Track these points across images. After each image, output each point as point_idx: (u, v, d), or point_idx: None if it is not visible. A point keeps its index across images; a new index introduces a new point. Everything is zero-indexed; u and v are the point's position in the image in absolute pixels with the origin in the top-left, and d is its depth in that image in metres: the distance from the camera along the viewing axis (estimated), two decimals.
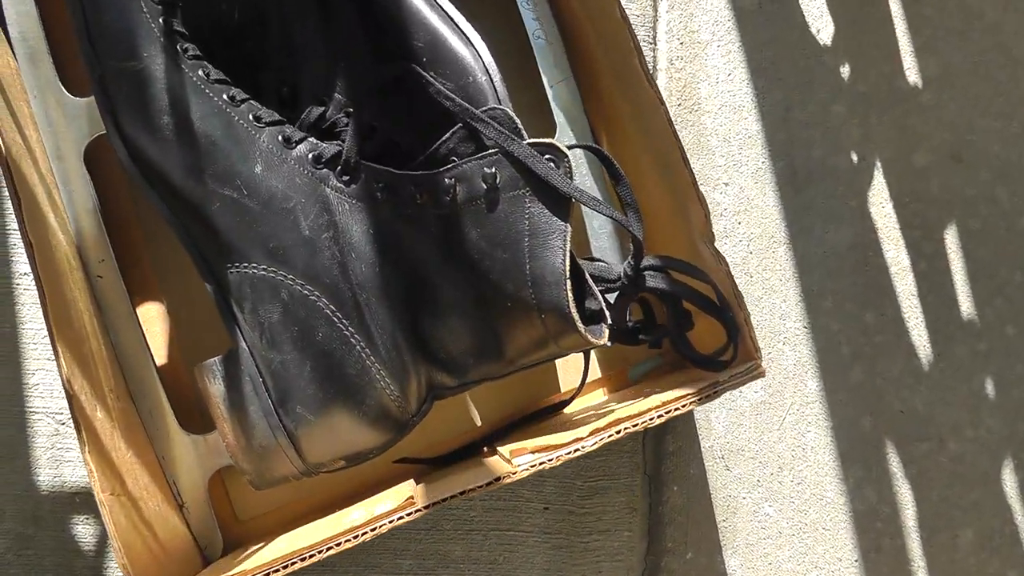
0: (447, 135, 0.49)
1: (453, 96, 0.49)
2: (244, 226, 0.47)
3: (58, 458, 0.57)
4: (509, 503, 0.58)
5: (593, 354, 0.58)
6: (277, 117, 0.49)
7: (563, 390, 0.59)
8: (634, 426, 0.46)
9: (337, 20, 0.53)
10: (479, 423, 0.57)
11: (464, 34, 0.52)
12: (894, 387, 0.63)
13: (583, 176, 0.57)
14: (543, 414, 0.56)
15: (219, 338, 0.54)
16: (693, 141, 0.63)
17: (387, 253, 0.48)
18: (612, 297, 0.51)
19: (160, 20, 0.47)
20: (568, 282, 0.46)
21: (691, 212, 0.50)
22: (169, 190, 0.48)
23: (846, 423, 0.62)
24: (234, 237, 0.47)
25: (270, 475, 0.49)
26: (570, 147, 0.51)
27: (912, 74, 0.65)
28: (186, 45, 0.48)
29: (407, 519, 0.44)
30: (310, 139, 0.49)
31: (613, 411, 0.51)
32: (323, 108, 0.52)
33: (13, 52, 0.52)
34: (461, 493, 0.44)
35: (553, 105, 0.57)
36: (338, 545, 0.44)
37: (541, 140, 0.47)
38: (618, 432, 0.46)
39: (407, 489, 0.50)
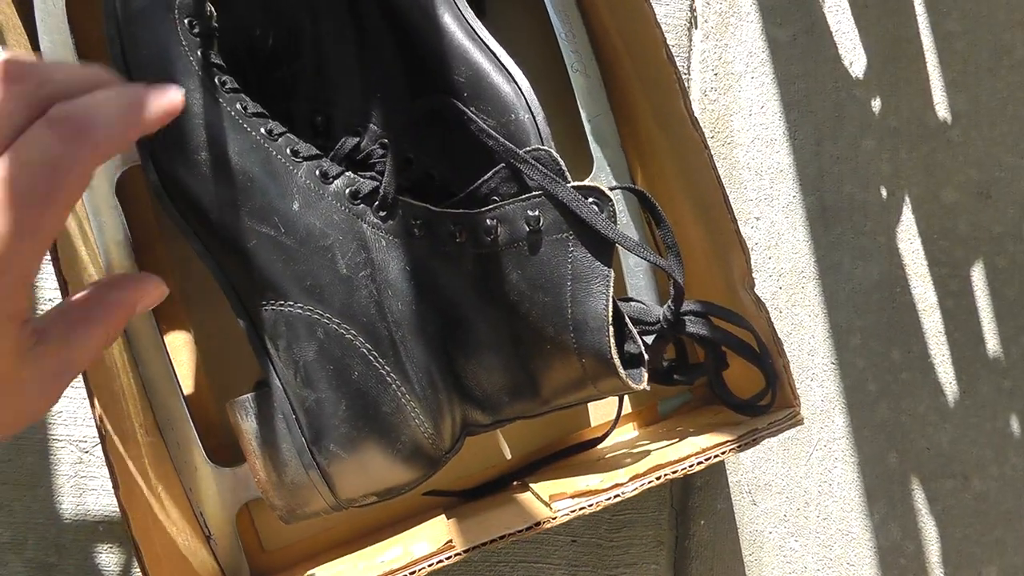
0: (489, 174, 0.48)
1: (496, 135, 0.48)
2: (280, 264, 0.46)
3: (82, 486, 0.56)
4: (537, 535, 0.58)
5: None
6: (315, 151, 0.48)
7: (593, 424, 0.58)
8: (674, 473, 0.46)
9: (374, 49, 0.52)
10: (509, 456, 0.57)
11: (507, 70, 0.51)
12: (919, 424, 0.63)
13: (621, 214, 0.57)
14: (574, 450, 0.56)
15: (249, 370, 0.54)
16: (725, 174, 0.63)
17: (423, 290, 0.48)
18: (649, 339, 0.51)
19: (198, 53, 0.47)
20: (611, 328, 0.45)
21: (732, 257, 0.50)
22: (204, 225, 0.47)
23: (872, 459, 0.63)
24: (270, 275, 0.46)
25: (301, 511, 0.48)
26: (612, 188, 0.51)
27: (942, 109, 0.65)
28: (224, 78, 0.48)
29: (446, 563, 0.44)
30: (347, 174, 0.48)
31: (648, 452, 0.50)
32: (358, 139, 0.52)
33: None
34: (501, 538, 0.44)
35: (591, 140, 0.57)
36: None
37: (585, 184, 0.47)
38: (658, 479, 0.46)
39: (441, 526, 0.50)
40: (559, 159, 0.47)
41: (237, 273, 0.47)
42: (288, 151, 0.47)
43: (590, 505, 0.45)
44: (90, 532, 0.56)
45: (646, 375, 0.48)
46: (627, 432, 0.59)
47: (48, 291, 0.57)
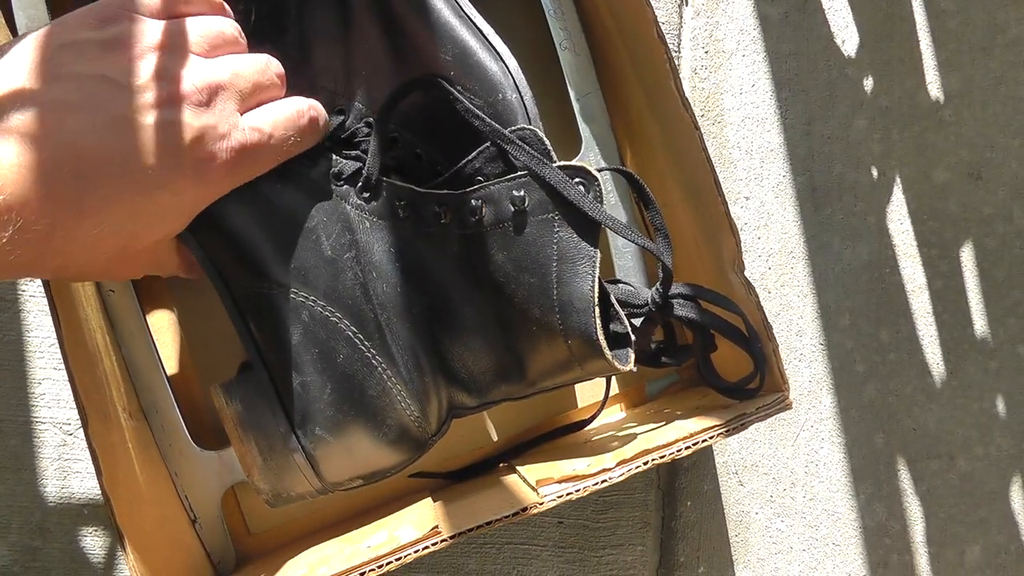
0: (473, 154, 0.48)
1: (481, 114, 0.47)
2: (265, 245, 0.45)
3: (65, 469, 0.56)
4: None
5: None
6: None
7: (580, 406, 0.58)
8: (661, 457, 0.46)
9: (359, 26, 0.51)
10: (495, 438, 0.57)
11: (494, 48, 0.50)
12: (906, 405, 0.63)
13: (608, 194, 0.56)
14: (561, 432, 0.56)
15: (234, 352, 0.53)
16: (715, 153, 0.62)
17: (409, 272, 0.47)
18: (638, 321, 0.51)
19: None
20: (596, 309, 0.45)
21: (722, 240, 0.49)
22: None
23: (859, 440, 0.63)
24: (253, 256, 0.45)
25: (286, 494, 0.48)
26: (600, 169, 0.50)
27: (934, 89, 0.65)
28: None
29: (432, 549, 0.44)
30: (331, 155, 0.47)
31: (635, 435, 0.50)
32: (343, 117, 0.51)
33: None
34: (488, 523, 0.44)
35: (579, 119, 0.56)
36: (363, 575, 0.43)
37: (571, 164, 0.46)
38: (645, 463, 0.46)
39: (427, 510, 0.49)
40: (545, 139, 0.47)
41: (221, 254, 0.46)
42: None
43: (577, 490, 0.45)
44: (75, 515, 0.55)
45: (633, 356, 0.47)
46: (614, 414, 0.59)
47: None
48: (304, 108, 0.44)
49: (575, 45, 0.56)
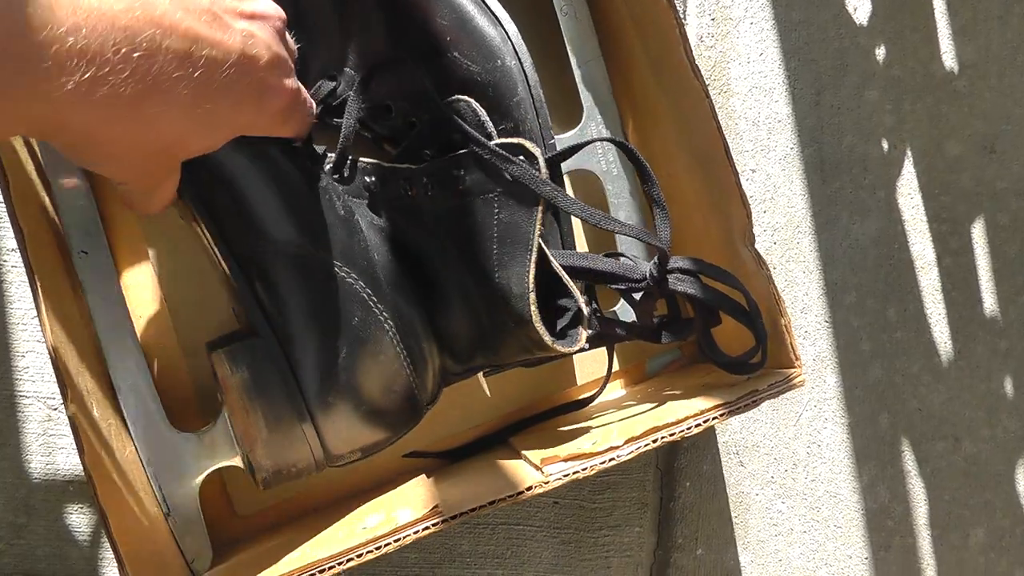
0: (418, 127, 0.47)
1: (424, 83, 0.47)
2: (280, 200, 0.44)
3: (51, 445, 0.54)
4: None
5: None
6: None
7: (580, 383, 0.57)
8: (671, 435, 0.44)
9: None
10: (492, 416, 0.56)
11: (492, 13, 0.49)
12: (912, 385, 0.62)
13: (611, 164, 0.54)
14: (561, 411, 0.55)
15: (219, 322, 0.52)
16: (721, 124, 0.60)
17: (393, 243, 0.47)
18: (637, 296, 0.49)
19: None
20: (532, 295, 0.44)
21: (732, 212, 0.48)
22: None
23: (863, 420, 0.62)
24: (267, 212, 0.44)
25: (286, 471, 0.46)
26: (593, 141, 0.48)
27: (948, 59, 0.63)
28: None
29: (432, 530, 0.42)
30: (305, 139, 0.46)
31: (639, 413, 0.49)
32: (334, 84, 0.49)
33: None
34: (490, 503, 0.43)
35: (580, 87, 0.54)
36: (359, 556, 0.42)
37: (510, 141, 0.45)
38: (655, 441, 0.44)
39: (426, 490, 0.48)
40: (480, 111, 0.46)
41: (226, 211, 0.44)
42: None
43: (584, 469, 0.44)
44: (60, 492, 0.54)
45: (582, 335, 0.46)
46: (614, 391, 0.57)
47: (7, 240, 0.55)
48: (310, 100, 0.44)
49: (576, 10, 0.54)
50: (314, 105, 0.44)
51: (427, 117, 0.47)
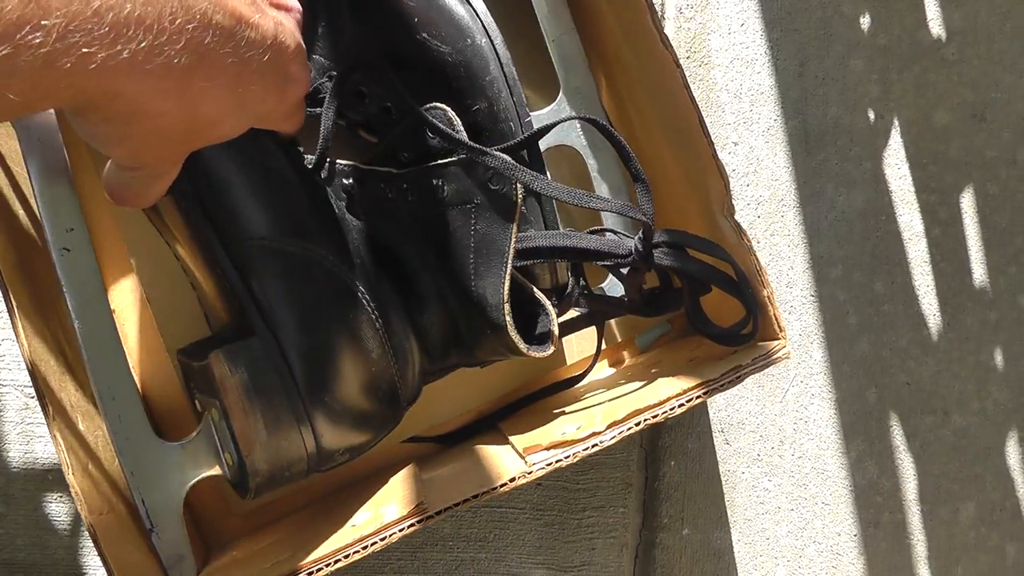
0: (396, 132, 0.47)
1: (403, 93, 0.46)
2: (271, 196, 0.44)
3: (29, 433, 0.55)
4: None
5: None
6: None
7: (570, 363, 0.57)
8: (654, 417, 0.44)
9: None
10: (483, 399, 0.56)
11: None
12: (900, 358, 0.62)
13: (590, 138, 0.54)
14: (551, 391, 0.54)
15: (202, 326, 0.51)
16: (702, 97, 0.60)
17: (375, 244, 0.47)
18: (625, 271, 0.49)
19: None
20: (507, 306, 0.45)
21: (709, 183, 0.47)
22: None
23: (850, 395, 0.61)
24: (263, 209, 0.44)
25: (280, 475, 0.46)
26: (564, 120, 0.48)
27: (936, 26, 0.62)
28: None
29: (417, 527, 0.42)
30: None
31: (626, 393, 0.49)
32: None
33: None
34: (474, 497, 0.43)
35: (555, 62, 0.53)
36: (346, 557, 0.42)
37: (484, 148, 0.44)
38: (637, 424, 0.44)
39: (412, 486, 0.48)
40: (455, 118, 0.45)
41: (220, 208, 0.44)
42: None
43: (566, 457, 0.43)
44: (39, 481, 0.55)
45: (552, 340, 0.47)
46: (604, 369, 0.57)
47: None
48: None
49: None
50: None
51: (404, 118, 0.47)
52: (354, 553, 0.42)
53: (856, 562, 0.62)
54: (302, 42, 0.38)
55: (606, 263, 0.48)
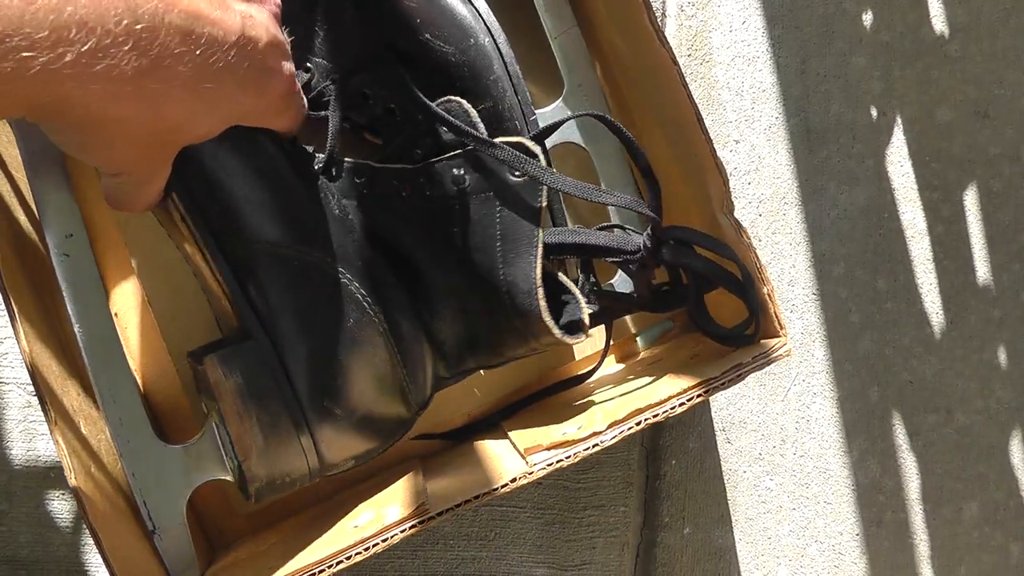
0: (408, 129, 0.47)
1: (412, 88, 0.46)
2: (272, 198, 0.43)
3: (31, 431, 0.55)
4: None
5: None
6: None
7: (577, 359, 0.57)
8: (654, 416, 0.44)
9: None
10: (490, 395, 0.56)
11: None
12: (903, 357, 0.62)
13: (597, 135, 0.54)
14: (556, 389, 0.55)
15: (209, 326, 0.52)
16: (703, 95, 0.60)
17: (386, 244, 0.47)
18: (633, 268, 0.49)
19: None
20: (540, 290, 0.44)
21: (708, 180, 0.48)
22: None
23: (852, 394, 0.62)
24: (259, 212, 0.43)
25: (280, 480, 0.45)
26: (571, 117, 0.48)
27: (939, 22, 0.62)
28: None
29: (419, 527, 0.43)
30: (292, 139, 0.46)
31: (627, 392, 0.49)
32: (309, 75, 0.49)
33: None
34: (475, 498, 0.43)
35: (559, 59, 0.54)
36: (348, 559, 0.42)
37: (508, 139, 0.45)
38: (638, 424, 0.44)
39: (414, 486, 0.48)
40: (471, 111, 0.46)
41: (217, 210, 0.43)
42: None
43: (567, 457, 0.44)
44: (41, 478, 0.55)
45: (586, 325, 0.47)
46: (608, 366, 0.58)
47: None
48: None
49: None
50: (305, 99, 0.44)
51: (418, 116, 0.47)
52: (356, 555, 0.42)
53: (858, 561, 0.62)
54: (280, 34, 0.38)
55: (615, 259, 0.48)
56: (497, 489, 0.43)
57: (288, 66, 0.39)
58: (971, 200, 0.63)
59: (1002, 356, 0.63)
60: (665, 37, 0.47)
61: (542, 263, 0.45)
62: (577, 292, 0.47)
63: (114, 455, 0.47)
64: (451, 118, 0.45)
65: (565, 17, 0.54)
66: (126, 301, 0.53)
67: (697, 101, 0.57)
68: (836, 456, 0.62)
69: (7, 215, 0.48)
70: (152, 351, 0.53)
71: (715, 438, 0.61)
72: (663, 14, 0.60)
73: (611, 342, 0.53)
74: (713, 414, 0.61)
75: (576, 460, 0.44)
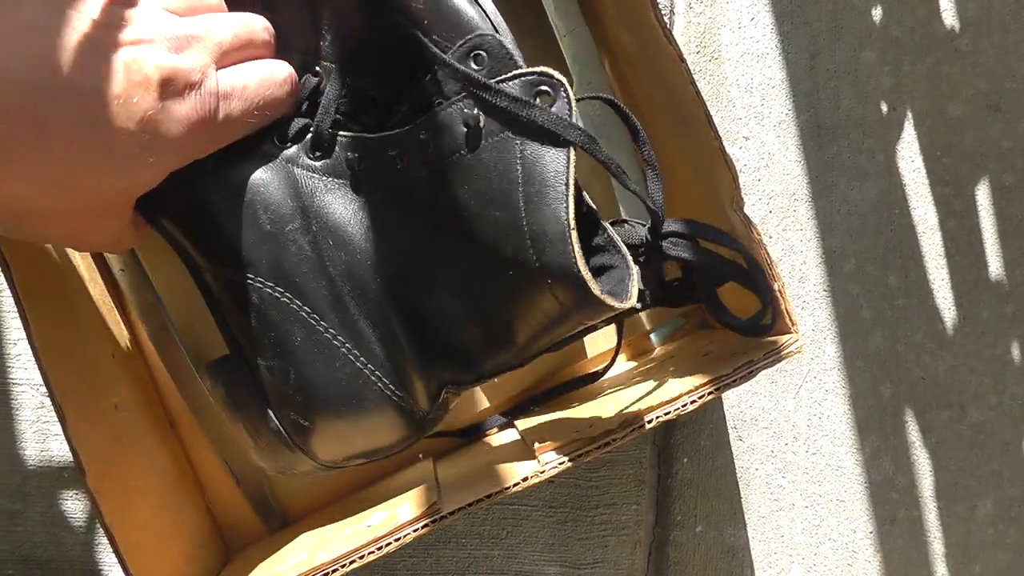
0: (418, 81, 0.44)
1: (405, 23, 0.44)
2: (209, 225, 0.44)
3: (44, 431, 0.56)
4: None
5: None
6: None
7: (590, 356, 0.57)
8: (666, 414, 0.45)
9: None
10: (501, 394, 0.57)
11: None
12: (915, 353, 0.62)
13: (607, 132, 0.55)
14: (570, 387, 0.55)
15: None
16: (712, 92, 0.61)
17: (372, 233, 0.45)
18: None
19: None
20: (573, 233, 0.40)
21: (717, 176, 0.48)
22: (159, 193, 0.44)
23: (864, 391, 0.62)
24: (203, 238, 0.44)
25: (290, 470, 0.47)
26: (580, 99, 0.47)
27: (949, 16, 0.62)
28: None
29: (432, 527, 0.44)
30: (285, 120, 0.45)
31: (639, 390, 0.50)
32: (318, 79, 0.49)
33: None
34: (487, 496, 0.44)
35: (567, 58, 0.55)
36: (361, 558, 0.43)
37: (530, 69, 0.42)
38: (650, 422, 0.45)
39: (428, 481, 0.49)
40: (509, 47, 0.43)
41: (177, 236, 0.45)
42: None
43: (579, 455, 0.44)
44: (54, 478, 0.56)
45: (634, 288, 0.43)
46: (620, 364, 0.58)
47: None
48: (282, 72, 0.44)
49: None
50: (294, 78, 0.44)
51: (422, 74, 0.45)
52: (369, 554, 0.43)
53: (872, 560, 0.62)
54: (179, 62, 0.38)
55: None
56: (509, 487, 0.44)
57: (193, 95, 0.38)
58: (983, 195, 0.63)
59: (1015, 352, 0.63)
60: (671, 34, 0.47)
61: (575, 206, 0.41)
62: (624, 250, 0.44)
63: (126, 455, 0.48)
64: (460, 66, 0.42)
65: (573, 15, 0.55)
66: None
67: (706, 98, 0.58)
68: (849, 453, 0.62)
69: None
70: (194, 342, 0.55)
71: (727, 436, 0.61)
72: (671, 11, 0.61)
73: (622, 340, 0.53)
74: (725, 412, 0.61)
75: (588, 458, 0.44)
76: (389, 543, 0.43)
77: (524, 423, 0.53)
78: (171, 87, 0.37)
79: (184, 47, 0.38)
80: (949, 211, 0.63)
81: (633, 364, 0.58)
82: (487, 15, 0.48)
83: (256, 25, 0.43)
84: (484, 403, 0.57)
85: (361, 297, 0.44)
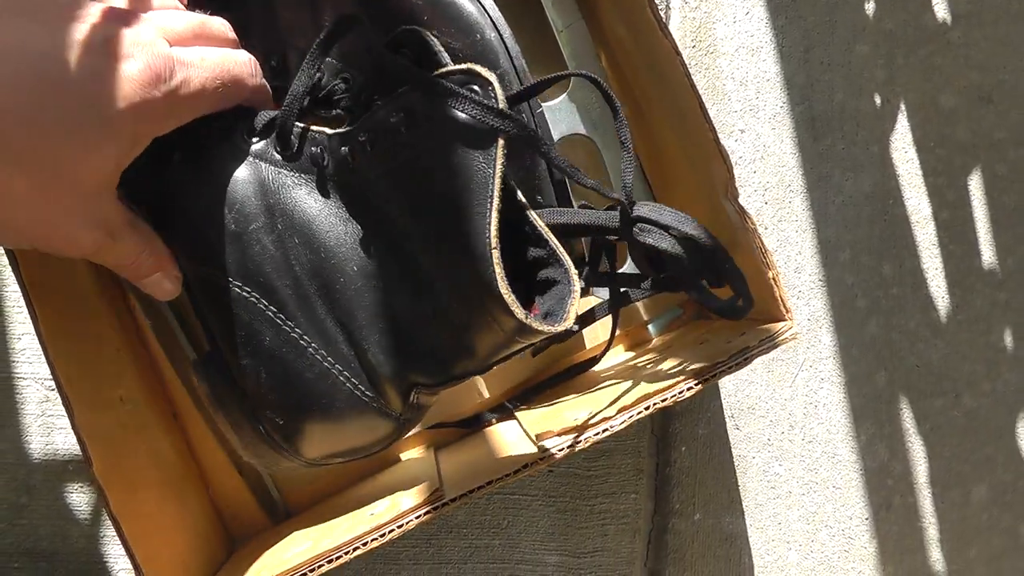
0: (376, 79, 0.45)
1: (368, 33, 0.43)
2: (181, 221, 0.44)
3: (49, 425, 0.57)
4: None
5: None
6: None
7: (588, 346, 0.59)
8: (663, 401, 0.46)
9: None
10: (501, 383, 0.58)
11: None
12: (910, 341, 0.64)
13: (604, 126, 0.56)
14: (564, 376, 0.56)
15: None
16: (708, 85, 0.62)
17: (336, 232, 0.44)
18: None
19: None
20: (494, 252, 0.38)
21: (712, 168, 0.49)
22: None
23: (860, 379, 0.63)
24: (178, 238, 0.44)
25: (275, 465, 0.48)
26: (564, 75, 0.46)
27: (941, 9, 0.64)
28: None
29: (433, 514, 0.45)
30: (247, 115, 0.45)
31: (636, 378, 0.51)
32: (319, 75, 0.50)
33: None
34: (488, 483, 0.45)
35: (565, 53, 0.56)
36: (364, 545, 0.44)
37: (458, 67, 0.40)
38: (647, 408, 0.46)
39: (429, 469, 0.50)
40: (432, 40, 0.42)
41: (161, 234, 0.45)
42: None
43: (578, 442, 0.45)
44: (59, 472, 0.57)
45: (572, 311, 0.41)
46: (618, 354, 0.59)
47: None
48: (243, 56, 0.43)
49: None
50: (249, 69, 0.43)
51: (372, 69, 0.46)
52: (372, 541, 0.44)
53: (868, 545, 0.64)
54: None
55: (597, 236, 0.47)
56: (510, 475, 0.45)
57: (141, 53, 0.37)
58: (976, 184, 0.65)
59: (1008, 339, 0.65)
60: (667, 28, 0.48)
61: (499, 218, 0.38)
62: (569, 264, 0.42)
63: (132, 445, 0.49)
64: (394, 58, 0.41)
65: (570, 11, 0.56)
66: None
67: (702, 91, 0.59)
68: (844, 441, 0.63)
69: None
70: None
71: (724, 425, 0.62)
72: (667, 6, 0.62)
73: (617, 330, 0.53)
74: (722, 401, 0.63)
75: (587, 445, 0.45)
76: (392, 529, 0.44)
77: (524, 413, 0.54)
78: (119, 48, 0.37)
79: (132, 21, 0.38)
80: (942, 201, 0.64)
81: (631, 354, 0.59)
82: (486, 10, 0.49)
83: (212, 21, 0.43)
84: (484, 393, 0.58)
85: (328, 296, 0.44)
